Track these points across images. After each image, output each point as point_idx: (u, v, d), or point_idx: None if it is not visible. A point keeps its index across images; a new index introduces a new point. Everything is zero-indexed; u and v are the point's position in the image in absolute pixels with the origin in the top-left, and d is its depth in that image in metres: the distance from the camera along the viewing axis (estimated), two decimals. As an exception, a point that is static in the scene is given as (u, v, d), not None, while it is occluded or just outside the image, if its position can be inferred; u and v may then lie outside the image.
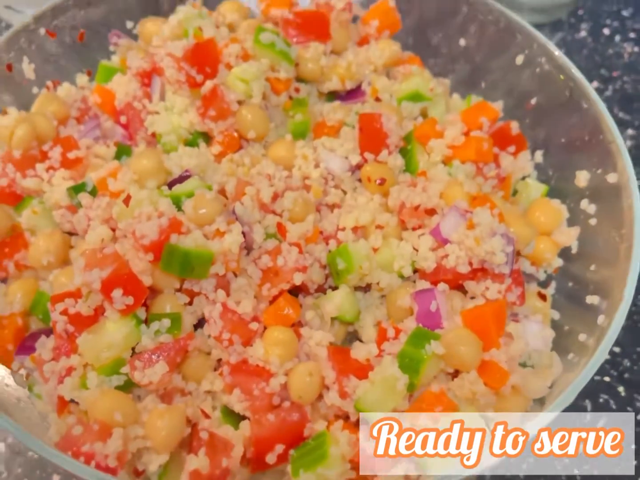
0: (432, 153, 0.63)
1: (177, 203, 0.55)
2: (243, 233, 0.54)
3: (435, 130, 0.64)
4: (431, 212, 0.59)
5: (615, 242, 0.57)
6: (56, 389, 0.51)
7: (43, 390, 0.53)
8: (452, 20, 0.72)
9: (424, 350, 0.52)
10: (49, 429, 0.52)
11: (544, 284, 0.64)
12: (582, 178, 0.63)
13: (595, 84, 0.95)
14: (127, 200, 0.55)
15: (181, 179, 0.58)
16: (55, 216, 0.60)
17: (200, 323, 0.56)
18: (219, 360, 0.55)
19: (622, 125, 0.91)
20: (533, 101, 0.69)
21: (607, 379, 0.73)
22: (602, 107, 0.61)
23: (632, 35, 1.01)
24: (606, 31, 1.02)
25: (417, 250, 0.57)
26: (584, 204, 0.62)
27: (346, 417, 0.53)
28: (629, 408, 0.71)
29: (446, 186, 0.59)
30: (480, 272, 0.56)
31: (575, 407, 0.70)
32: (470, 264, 0.56)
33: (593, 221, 0.61)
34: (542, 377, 0.53)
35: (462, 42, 0.73)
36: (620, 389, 0.72)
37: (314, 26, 0.69)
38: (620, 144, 0.59)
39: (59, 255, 0.58)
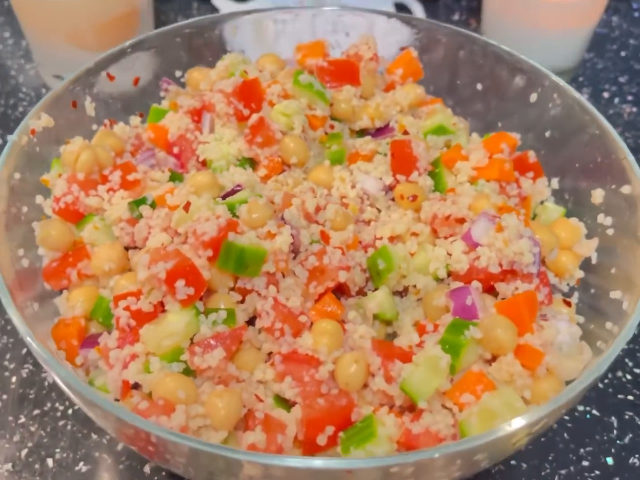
0: (459, 174, 0.69)
1: (232, 210, 0.61)
2: (292, 236, 0.60)
3: (460, 155, 0.70)
4: (462, 221, 0.64)
5: (632, 246, 0.62)
6: (121, 374, 0.55)
7: (107, 378, 0.56)
8: (468, 67, 0.80)
9: (463, 336, 0.56)
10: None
11: (567, 296, 0.68)
12: (598, 195, 0.68)
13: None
14: (187, 207, 0.60)
15: (234, 191, 0.63)
16: (115, 230, 0.65)
17: (251, 322, 0.60)
18: (270, 353, 0.59)
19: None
20: (547, 134, 0.75)
21: (630, 397, 0.76)
22: (611, 129, 0.67)
23: (629, 97, 1.09)
24: (606, 94, 1.10)
25: (450, 255, 0.62)
26: (601, 218, 0.68)
27: (391, 406, 0.56)
28: (654, 424, 0.74)
29: (474, 199, 0.65)
30: (510, 273, 0.61)
31: (602, 422, 0.74)
32: (501, 265, 0.60)
33: (610, 231, 0.66)
34: (574, 360, 0.56)
35: (479, 86, 0.80)
36: (645, 406, 0.75)
37: (345, 73, 0.77)
38: (631, 159, 0.65)
39: (120, 262, 0.63)
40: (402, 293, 0.64)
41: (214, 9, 1.21)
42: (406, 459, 0.45)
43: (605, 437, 0.73)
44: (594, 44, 1.18)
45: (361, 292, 0.63)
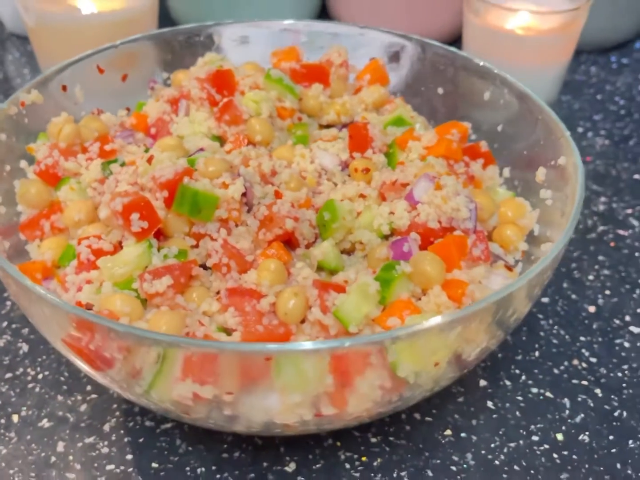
0: (410, 153, 0.74)
1: (192, 165, 0.66)
2: (245, 188, 0.65)
3: (413, 136, 0.75)
4: (407, 185, 0.68)
5: (561, 209, 0.66)
6: (75, 296, 0.59)
7: (62, 298, 0.60)
8: (430, 73, 0.86)
9: (394, 271, 0.59)
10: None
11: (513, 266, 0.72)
12: (540, 174, 0.73)
13: (571, 166, 1.07)
14: (150, 160, 0.66)
15: (197, 152, 0.69)
16: (89, 192, 0.70)
17: (203, 266, 0.64)
18: (218, 292, 0.62)
19: (595, 194, 1.02)
20: (499, 128, 0.81)
21: (585, 382, 0.77)
22: (552, 114, 0.73)
23: (602, 132, 1.15)
24: (580, 129, 1.16)
25: (393, 213, 0.67)
26: (542, 192, 0.72)
27: (326, 330, 0.59)
28: (606, 406, 0.75)
29: (420, 169, 0.70)
30: (448, 230, 0.65)
31: (554, 403, 0.76)
32: (440, 222, 0.64)
33: (549, 202, 0.71)
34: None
35: (440, 90, 0.87)
36: (597, 390, 0.77)
37: (316, 75, 0.84)
38: (568, 135, 0.69)
39: (89, 215, 0.68)
40: (349, 252, 0.68)
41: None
42: (325, 344, 0.49)
43: (557, 416, 0.74)
44: (571, 88, 1.25)
45: (310, 246, 0.67)
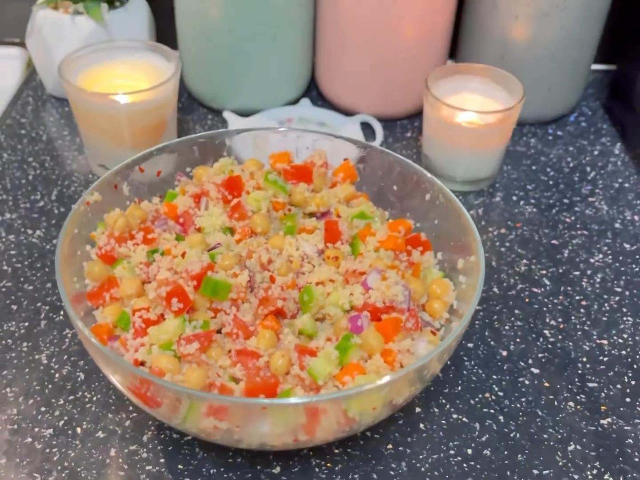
0: (368, 245, 1.03)
1: (212, 258, 0.94)
2: (249, 276, 0.93)
3: (370, 232, 1.04)
4: (363, 273, 0.97)
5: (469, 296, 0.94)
6: (133, 355, 0.87)
7: (125, 357, 0.89)
8: (388, 174, 1.15)
9: (350, 342, 0.88)
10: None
11: (437, 329, 1.00)
12: (460, 263, 1.01)
13: (503, 230, 1.36)
14: (183, 255, 0.94)
15: (215, 247, 0.98)
16: (136, 270, 0.99)
17: (219, 332, 0.93)
18: (229, 351, 0.91)
19: (519, 257, 1.31)
20: (436, 222, 1.09)
21: (492, 411, 1.06)
22: (470, 222, 1.01)
23: (532, 200, 1.43)
24: (514, 197, 1.44)
25: (352, 294, 0.95)
26: (460, 278, 1.01)
27: (303, 381, 0.88)
28: (505, 429, 1.04)
29: (373, 260, 0.98)
30: (390, 308, 0.93)
31: (468, 426, 1.04)
32: (384, 302, 0.93)
33: (464, 287, 1.00)
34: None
35: (394, 187, 1.15)
36: (500, 417, 1.05)
37: (302, 174, 1.12)
38: (477, 240, 0.98)
39: (138, 290, 0.96)
40: (322, 320, 0.97)
41: (224, 120, 1.59)
42: (301, 400, 0.78)
43: (469, 436, 1.02)
44: (512, 159, 1.53)
45: (294, 317, 0.96)
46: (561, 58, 1.52)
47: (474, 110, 1.32)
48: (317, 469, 0.97)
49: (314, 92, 1.72)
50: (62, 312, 1.17)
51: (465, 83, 1.44)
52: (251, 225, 1.04)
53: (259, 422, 0.81)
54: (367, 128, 1.59)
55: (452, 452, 1.00)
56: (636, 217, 1.39)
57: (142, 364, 0.88)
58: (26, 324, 1.15)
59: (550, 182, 1.48)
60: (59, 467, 0.96)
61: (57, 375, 1.08)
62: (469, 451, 1.01)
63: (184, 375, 0.85)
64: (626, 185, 1.48)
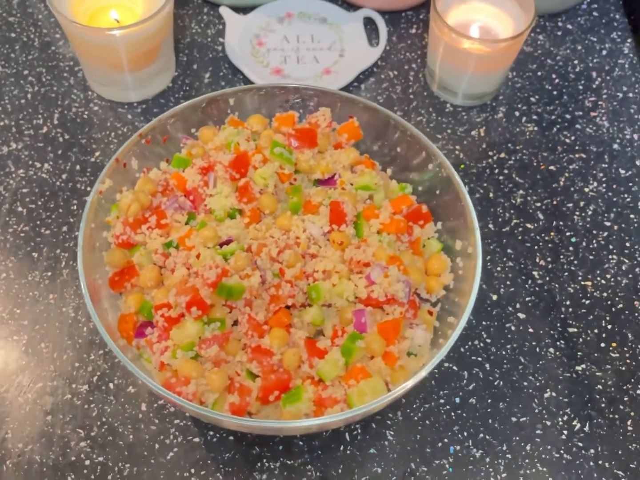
0: (371, 227, 1.08)
1: (225, 257, 1.01)
2: (260, 276, 1.00)
3: (374, 213, 1.08)
4: (367, 264, 1.03)
5: (468, 288, 1.02)
6: (159, 358, 0.97)
7: (152, 359, 0.99)
8: (393, 136, 1.16)
9: (355, 344, 0.97)
10: (154, 379, 0.98)
11: (434, 305, 1.09)
12: (458, 245, 1.07)
13: (503, 154, 1.38)
14: (198, 256, 1.00)
15: (227, 242, 1.03)
16: (154, 258, 1.05)
17: (235, 323, 1.01)
18: (245, 344, 1.00)
19: (516, 186, 1.35)
20: (437, 192, 1.13)
21: (479, 359, 1.19)
22: (470, 206, 1.05)
23: (534, 117, 1.43)
24: (517, 113, 1.44)
25: (357, 287, 1.03)
26: (458, 260, 1.07)
27: (312, 377, 0.99)
28: (490, 377, 1.17)
29: (376, 249, 1.04)
30: (391, 300, 1.01)
31: (457, 374, 1.17)
32: (386, 295, 1.01)
33: (461, 272, 1.06)
34: (418, 362, 0.99)
35: (399, 149, 1.17)
36: (487, 365, 1.18)
37: (307, 138, 1.13)
38: (477, 231, 1.03)
39: (156, 281, 1.03)
40: (328, 306, 1.05)
41: (220, 17, 1.53)
42: (310, 422, 0.89)
43: (457, 384, 1.16)
44: (518, 63, 1.50)
45: (303, 306, 1.04)
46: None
47: (481, 39, 1.29)
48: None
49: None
50: (81, 260, 1.24)
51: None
52: (259, 206, 1.08)
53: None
54: (370, 24, 1.54)
55: (441, 400, 1.14)
56: (635, 136, 1.41)
57: (168, 365, 0.98)
58: (49, 273, 1.23)
59: (554, 93, 1.46)
60: (99, 423, 1.10)
61: (85, 329, 1.18)
62: (457, 400, 1.14)
63: (206, 379, 0.96)
64: (630, 95, 1.47)
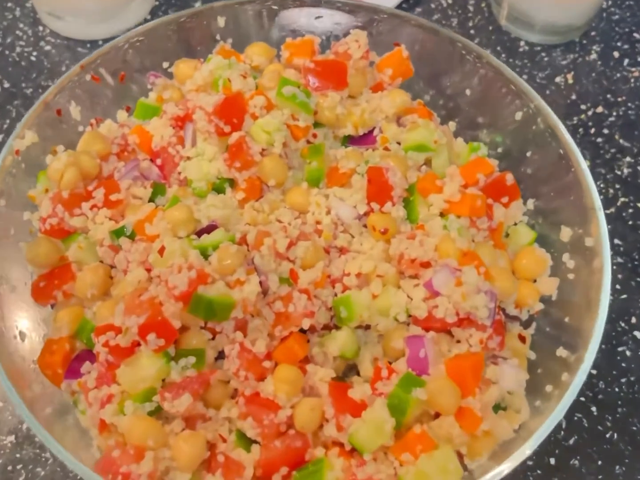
0: (432, 206, 0.71)
1: (204, 252, 0.64)
2: (260, 282, 0.63)
3: (435, 185, 0.72)
4: (426, 264, 0.67)
5: (586, 302, 0.65)
6: (98, 412, 0.61)
7: (87, 412, 0.63)
8: (459, 72, 0.79)
9: (410, 394, 0.61)
10: (91, 442, 0.62)
11: (526, 323, 0.73)
12: (565, 234, 0.71)
13: (600, 109, 1.01)
14: (161, 251, 0.64)
15: (208, 228, 0.66)
16: (99, 251, 0.69)
17: (220, 355, 0.65)
18: (236, 389, 0.64)
19: (621, 152, 0.98)
20: (528, 154, 0.76)
21: (582, 399, 0.82)
22: (587, 175, 0.68)
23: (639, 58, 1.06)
24: (616, 54, 1.07)
25: (411, 299, 0.66)
26: (566, 257, 0.71)
27: (342, 445, 0.63)
28: (599, 427, 0.80)
29: (440, 240, 0.67)
30: (466, 321, 0.65)
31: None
32: (457, 314, 0.64)
33: (571, 275, 0.69)
34: (510, 421, 0.62)
35: (467, 92, 0.79)
36: (593, 408, 0.81)
37: (332, 74, 0.76)
38: (599, 213, 0.66)
39: (102, 288, 0.68)
40: (365, 327, 0.68)
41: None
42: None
43: (551, 438, 0.79)
44: (616, -8, 1.13)
45: (327, 327, 0.68)
46: None
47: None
48: None
49: None
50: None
51: None
52: (260, 174, 0.71)
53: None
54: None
55: (529, 463, 0.79)
56: None
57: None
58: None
59: (666, 27, 1.09)
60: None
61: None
62: (552, 461, 0.79)
63: (172, 449, 0.60)
64: None
